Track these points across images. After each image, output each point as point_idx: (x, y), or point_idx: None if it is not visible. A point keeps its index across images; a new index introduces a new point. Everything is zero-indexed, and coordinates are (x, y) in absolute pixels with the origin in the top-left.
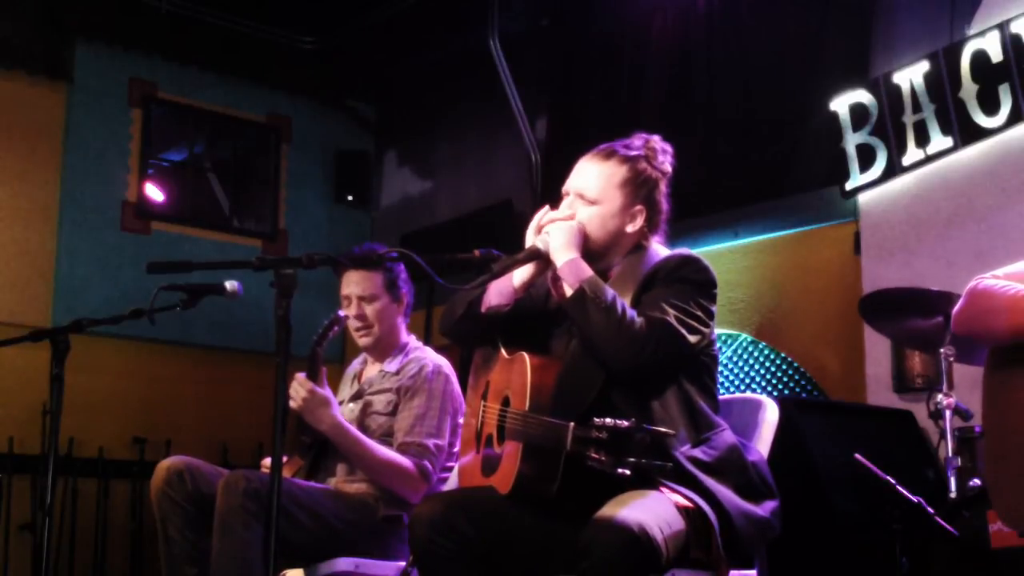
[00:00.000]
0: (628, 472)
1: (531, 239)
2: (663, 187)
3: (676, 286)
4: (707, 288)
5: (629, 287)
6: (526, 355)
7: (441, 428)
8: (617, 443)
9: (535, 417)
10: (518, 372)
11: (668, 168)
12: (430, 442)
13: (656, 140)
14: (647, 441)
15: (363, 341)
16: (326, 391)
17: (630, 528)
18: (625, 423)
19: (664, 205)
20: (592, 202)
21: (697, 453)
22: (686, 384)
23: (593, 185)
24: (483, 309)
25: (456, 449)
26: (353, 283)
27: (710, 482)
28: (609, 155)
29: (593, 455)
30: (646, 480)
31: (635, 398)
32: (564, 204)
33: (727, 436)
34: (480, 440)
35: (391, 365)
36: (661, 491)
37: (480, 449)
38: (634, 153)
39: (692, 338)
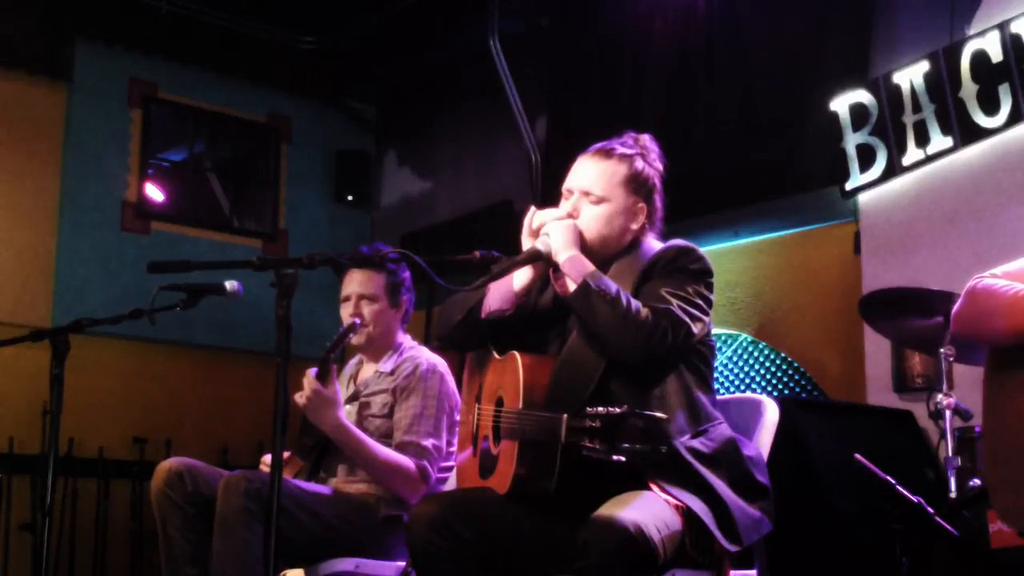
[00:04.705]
0: (623, 459)
1: (527, 242)
2: (659, 184)
3: (675, 276)
4: (704, 277)
5: (628, 281)
6: (518, 354)
7: (438, 428)
8: (611, 430)
9: (529, 413)
10: (510, 372)
11: (660, 166)
12: (428, 442)
13: (646, 138)
14: (640, 426)
15: (355, 339)
16: (332, 391)
17: (627, 528)
18: (617, 409)
19: (659, 202)
20: (599, 200)
21: (695, 444)
22: (685, 375)
23: (599, 183)
24: (483, 315)
25: (453, 448)
26: (356, 282)
27: (707, 473)
28: (609, 154)
29: (588, 444)
30: (640, 479)
31: (634, 390)
32: (567, 203)
33: (724, 429)
34: (476, 442)
35: (386, 365)
36: (652, 490)
37: (477, 451)
38: (631, 152)
39: (695, 327)
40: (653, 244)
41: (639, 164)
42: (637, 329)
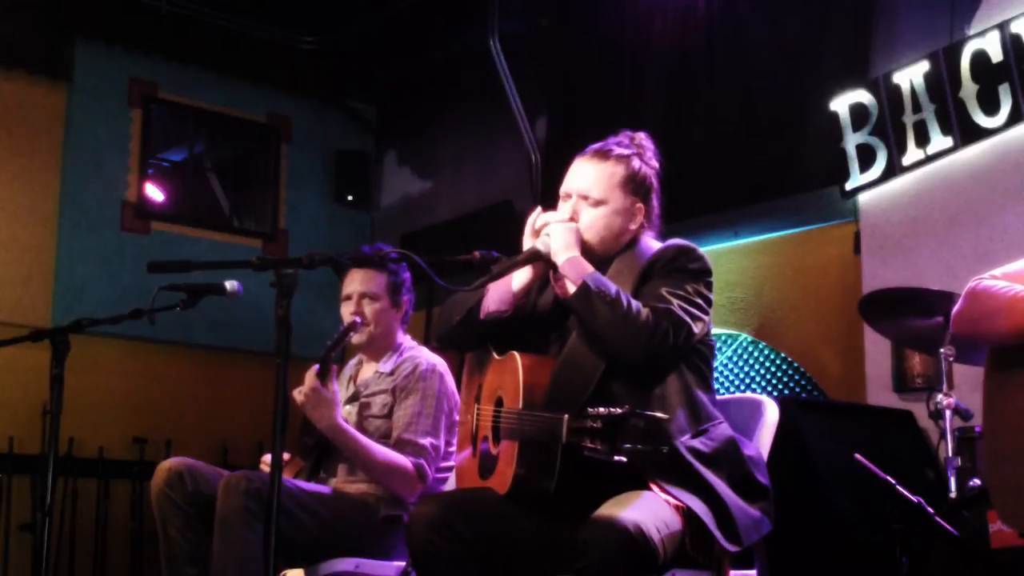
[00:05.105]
0: (624, 459)
1: (529, 242)
2: (655, 183)
3: (675, 276)
4: (704, 276)
5: (627, 281)
6: (517, 355)
7: (437, 427)
8: (612, 430)
9: (529, 413)
10: (510, 372)
11: (656, 163)
12: (426, 441)
13: (642, 136)
14: (641, 426)
15: (356, 338)
16: (331, 391)
17: (626, 528)
18: (619, 410)
19: (656, 201)
20: (598, 202)
21: (696, 444)
22: (686, 374)
23: (597, 185)
24: (482, 315)
25: (452, 448)
26: (357, 281)
27: (707, 473)
28: (606, 155)
29: (589, 444)
30: (640, 479)
31: (635, 390)
32: (565, 205)
33: (725, 428)
34: (476, 443)
35: (386, 365)
36: (652, 490)
37: (477, 452)
38: (628, 152)
39: (696, 326)
40: (651, 244)
41: (636, 164)
42: (638, 330)
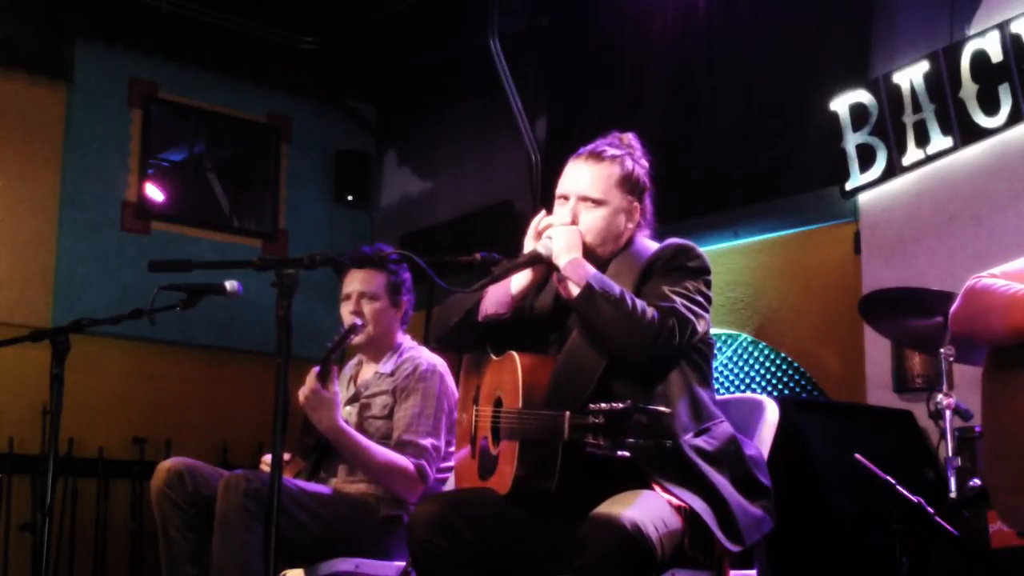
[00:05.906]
0: (627, 454)
1: (530, 244)
2: (648, 182)
3: (675, 274)
4: (703, 274)
5: (627, 281)
6: (516, 355)
7: (437, 427)
8: (614, 426)
9: (529, 412)
10: (509, 372)
11: (646, 163)
12: (427, 442)
13: (630, 137)
14: (643, 422)
15: (356, 339)
16: (331, 392)
17: (624, 526)
18: (620, 405)
19: (649, 200)
20: (598, 203)
21: (699, 442)
22: (687, 372)
23: (595, 186)
24: (480, 318)
25: (453, 448)
26: (357, 280)
27: (710, 472)
28: (600, 156)
29: (591, 441)
30: (641, 478)
31: (637, 388)
32: (564, 208)
33: (726, 427)
34: (475, 444)
35: (386, 366)
36: (654, 489)
37: (476, 453)
38: (620, 152)
39: (699, 324)
40: (648, 243)
41: (629, 164)
42: (644, 329)
